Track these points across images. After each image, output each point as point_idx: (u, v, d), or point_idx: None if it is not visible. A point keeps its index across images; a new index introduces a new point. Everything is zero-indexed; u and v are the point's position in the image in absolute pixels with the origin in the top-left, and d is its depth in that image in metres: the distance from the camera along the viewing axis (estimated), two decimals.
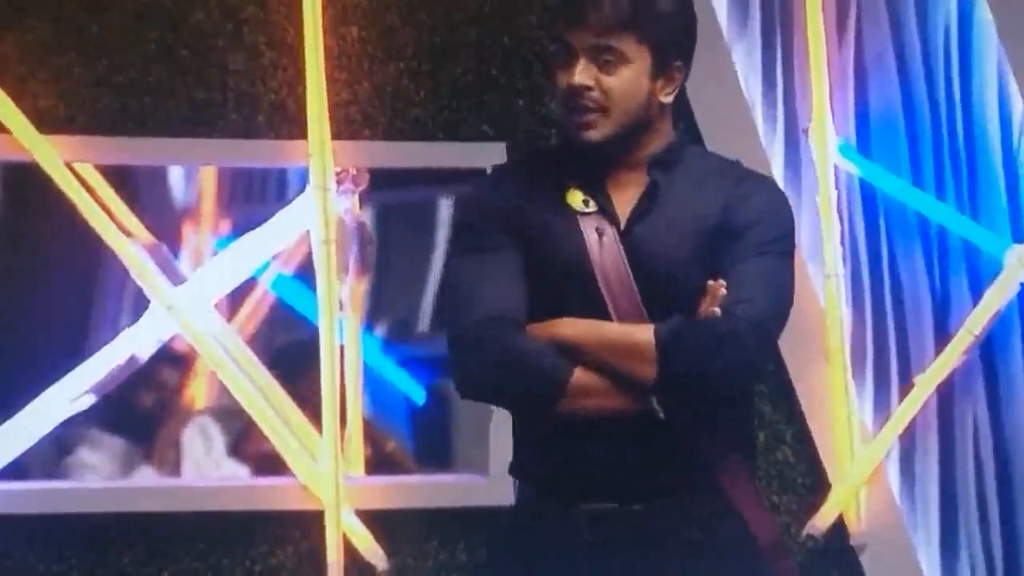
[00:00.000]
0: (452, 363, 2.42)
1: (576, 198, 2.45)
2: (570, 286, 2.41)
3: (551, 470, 2.42)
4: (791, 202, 2.56)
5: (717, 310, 2.35)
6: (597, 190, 2.45)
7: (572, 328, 2.37)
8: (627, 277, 2.40)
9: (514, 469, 2.52)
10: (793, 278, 2.47)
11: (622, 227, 2.43)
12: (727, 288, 2.36)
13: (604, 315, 2.39)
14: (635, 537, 2.39)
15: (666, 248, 2.42)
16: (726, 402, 2.45)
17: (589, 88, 2.39)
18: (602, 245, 2.41)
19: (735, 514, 2.44)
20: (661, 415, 2.36)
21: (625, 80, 2.40)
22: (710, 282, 2.38)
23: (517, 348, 2.36)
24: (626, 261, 2.40)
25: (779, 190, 2.56)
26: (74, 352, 3.82)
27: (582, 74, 2.39)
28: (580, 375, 2.35)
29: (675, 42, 2.44)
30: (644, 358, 2.34)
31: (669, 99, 2.46)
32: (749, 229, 2.43)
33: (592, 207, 2.44)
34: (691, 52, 2.48)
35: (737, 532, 2.44)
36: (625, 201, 2.44)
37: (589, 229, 2.42)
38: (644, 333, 2.35)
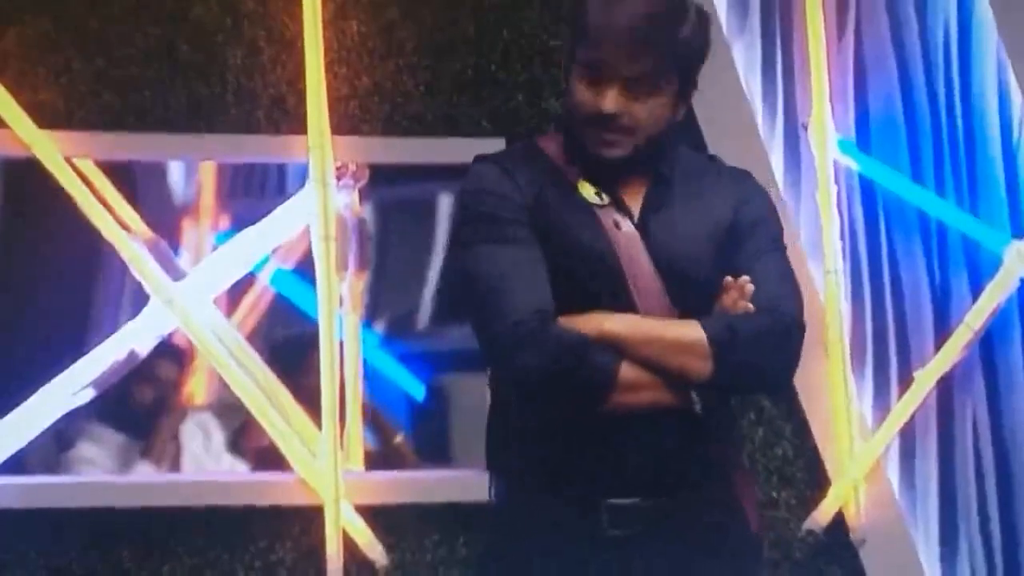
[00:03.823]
0: (496, 359, 2.36)
1: (589, 190, 2.41)
2: (596, 279, 2.37)
3: (569, 466, 2.37)
4: (791, 198, 2.56)
5: (750, 305, 2.34)
6: (605, 183, 2.42)
7: (621, 323, 2.32)
8: (651, 270, 2.37)
9: (502, 465, 2.46)
10: None
11: (635, 221, 2.40)
12: (753, 284, 2.35)
13: (630, 309, 2.35)
14: (658, 530, 2.36)
15: (681, 243, 2.40)
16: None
17: (618, 116, 2.34)
18: (623, 238, 2.38)
19: (739, 504, 2.45)
20: (698, 409, 2.34)
21: (652, 107, 2.36)
22: (729, 278, 2.36)
23: (567, 343, 2.29)
24: (648, 255, 2.38)
25: (761, 184, 2.55)
26: (74, 347, 3.82)
27: (614, 102, 2.33)
28: (627, 370, 2.31)
29: (697, 69, 2.41)
30: (699, 354, 2.31)
31: (680, 116, 2.44)
32: (758, 226, 2.43)
33: (606, 200, 2.41)
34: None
35: (742, 521, 2.45)
36: (632, 195, 2.42)
37: (608, 222, 2.38)
38: (695, 329, 2.32)
